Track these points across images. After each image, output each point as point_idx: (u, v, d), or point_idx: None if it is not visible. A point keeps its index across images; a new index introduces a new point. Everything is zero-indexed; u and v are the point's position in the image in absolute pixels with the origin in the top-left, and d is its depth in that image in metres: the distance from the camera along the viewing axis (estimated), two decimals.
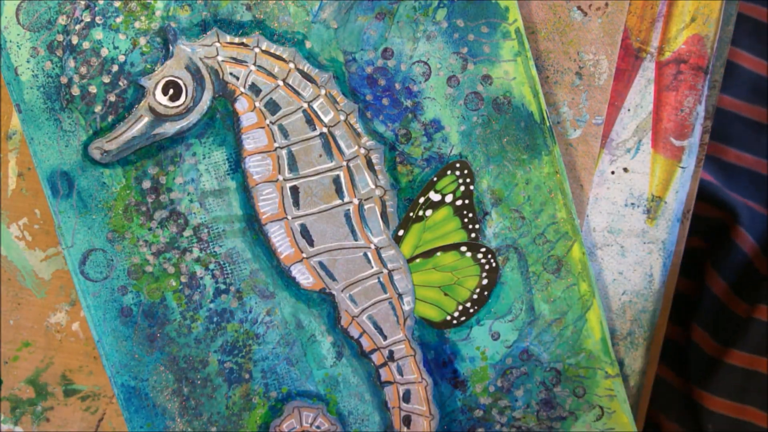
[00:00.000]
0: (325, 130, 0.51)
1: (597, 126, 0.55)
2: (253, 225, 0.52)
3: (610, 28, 0.53)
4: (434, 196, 0.52)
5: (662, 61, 0.55)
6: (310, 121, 0.51)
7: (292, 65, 0.51)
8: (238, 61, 0.50)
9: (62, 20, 0.49)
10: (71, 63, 0.49)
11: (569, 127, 0.54)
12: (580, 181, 0.55)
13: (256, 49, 0.51)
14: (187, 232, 0.52)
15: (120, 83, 0.50)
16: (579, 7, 0.53)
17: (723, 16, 0.55)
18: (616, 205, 0.56)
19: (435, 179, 0.52)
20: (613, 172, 0.56)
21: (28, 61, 0.50)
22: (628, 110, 0.55)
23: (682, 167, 0.56)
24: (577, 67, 0.54)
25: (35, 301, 0.55)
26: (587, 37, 0.54)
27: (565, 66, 0.54)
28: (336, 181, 0.52)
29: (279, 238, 0.52)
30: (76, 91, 0.50)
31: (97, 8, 0.49)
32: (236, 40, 0.50)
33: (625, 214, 0.56)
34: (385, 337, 0.53)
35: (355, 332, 0.53)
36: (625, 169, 0.56)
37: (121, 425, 0.56)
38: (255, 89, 0.51)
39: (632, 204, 0.56)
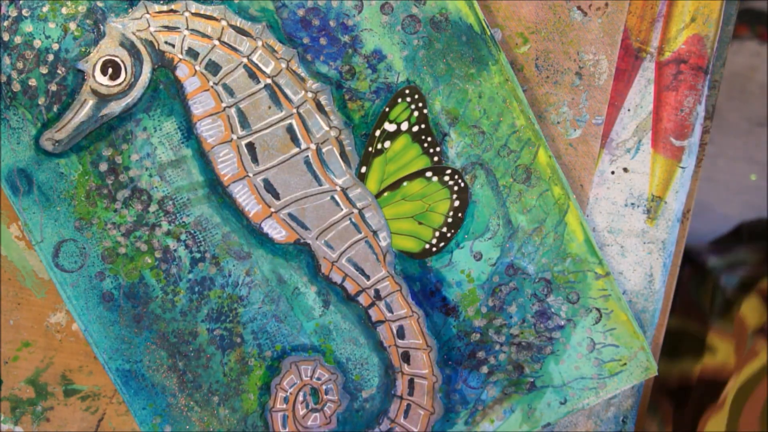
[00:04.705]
0: (269, 81, 0.51)
1: (597, 126, 0.54)
2: (217, 189, 0.52)
3: (610, 28, 0.53)
4: (389, 127, 0.52)
5: (662, 61, 0.55)
6: (252, 75, 0.51)
7: (224, 22, 0.50)
8: (170, 28, 0.50)
9: None
10: (7, 60, 0.50)
11: (569, 127, 0.54)
12: (580, 181, 0.55)
13: (186, 13, 0.50)
14: (153, 207, 0.51)
15: (58, 72, 0.50)
16: (579, 7, 0.53)
17: (723, 16, 0.54)
18: (616, 205, 0.56)
19: (387, 109, 0.52)
20: (613, 172, 0.56)
21: None
22: (628, 110, 0.55)
23: (682, 167, 0.56)
24: (577, 67, 0.54)
25: (35, 301, 0.55)
26: (587, 37, 0.53)
27: (565, 66, 0.54)
28: (289, 129, 0.51)
29: (244, 196, 0.52)
30: (16, 87, 0.50)
31: (21, 1, 0.49)
32: (165, 7, 0.50)
33: (625, 214, 0.56)
34: (368, 277, 0.53)
35: (337, 277, 0.53)
36: (625, 169, 0.56)
37: (121, 425, 0.56)
38: (192, 53, 0.51)
39: (632, 204, 0.56)
